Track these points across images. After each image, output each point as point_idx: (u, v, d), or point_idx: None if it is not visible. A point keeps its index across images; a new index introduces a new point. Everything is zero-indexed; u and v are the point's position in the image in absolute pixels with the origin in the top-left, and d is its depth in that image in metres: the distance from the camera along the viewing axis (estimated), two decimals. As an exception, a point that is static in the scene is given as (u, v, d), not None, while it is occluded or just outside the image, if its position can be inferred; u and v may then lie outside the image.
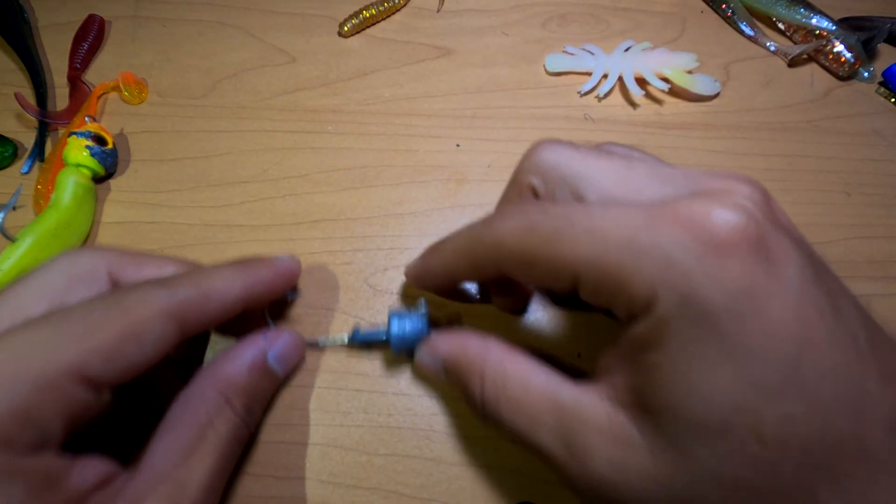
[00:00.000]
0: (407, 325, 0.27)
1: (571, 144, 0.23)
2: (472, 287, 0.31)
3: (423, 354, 0.26)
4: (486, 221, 0.22)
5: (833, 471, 0.16)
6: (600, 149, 0.23)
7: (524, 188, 0.24)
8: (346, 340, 0.30)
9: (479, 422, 0.23)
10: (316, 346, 0.30)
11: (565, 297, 0.29)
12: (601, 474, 0.18)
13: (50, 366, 0.18)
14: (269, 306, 0.28)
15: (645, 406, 0.18)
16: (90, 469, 0.20)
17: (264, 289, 0.25)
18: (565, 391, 0.21)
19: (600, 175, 0.21)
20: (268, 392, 0.28)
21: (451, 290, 0.30)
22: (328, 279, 0.33)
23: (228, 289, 0.23)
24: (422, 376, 0.30)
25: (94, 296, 0.22)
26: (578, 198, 0.21)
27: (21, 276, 0.22)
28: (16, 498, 0.17)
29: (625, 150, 0.24)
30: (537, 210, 0.20)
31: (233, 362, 0.25)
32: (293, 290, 0.30)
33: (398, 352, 0.28)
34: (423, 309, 0.28)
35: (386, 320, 0.28)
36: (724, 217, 0.17)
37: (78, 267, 0.23)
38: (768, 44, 0.40)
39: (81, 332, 0.19)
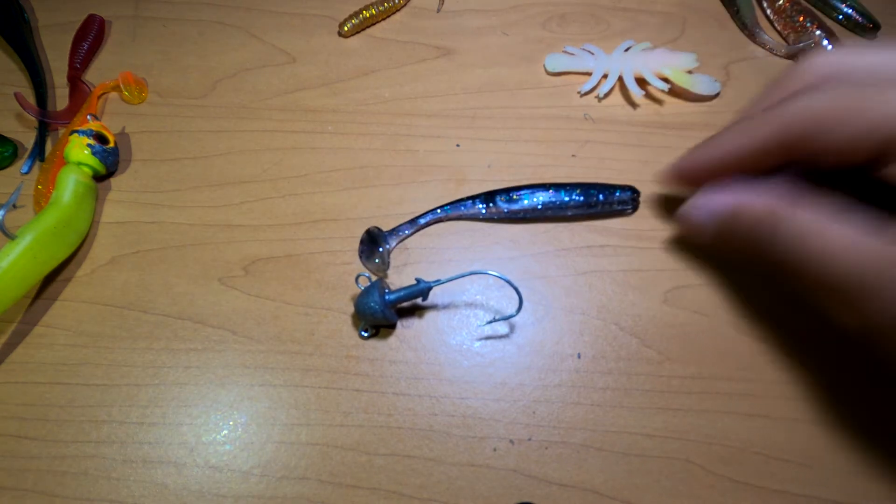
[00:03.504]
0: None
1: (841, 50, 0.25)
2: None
3: (689, 209, 0.28)
4: (782, 104, 0.24)
5: None
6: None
7: (788, 92, 0.25)
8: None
9: (763, 269, 0.29)
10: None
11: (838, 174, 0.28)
12: None
13: None
14: None
15: None
16: None
17: None
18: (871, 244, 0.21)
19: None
20: None
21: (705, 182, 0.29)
22: (328, 279, 0.33)
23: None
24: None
25: None
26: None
27: None
28: None
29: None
30: (844, 84, 0.23)
31: None
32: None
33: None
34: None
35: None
36: None
37: None
38: (768, 42, 0.40)
39: None
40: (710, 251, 0.32)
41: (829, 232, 0.23)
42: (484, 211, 0.34)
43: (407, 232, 0.33)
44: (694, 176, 0.29)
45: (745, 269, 0.32)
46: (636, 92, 0.37)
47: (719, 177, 0.28)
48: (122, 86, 0.38)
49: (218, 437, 0.30)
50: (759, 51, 0.40)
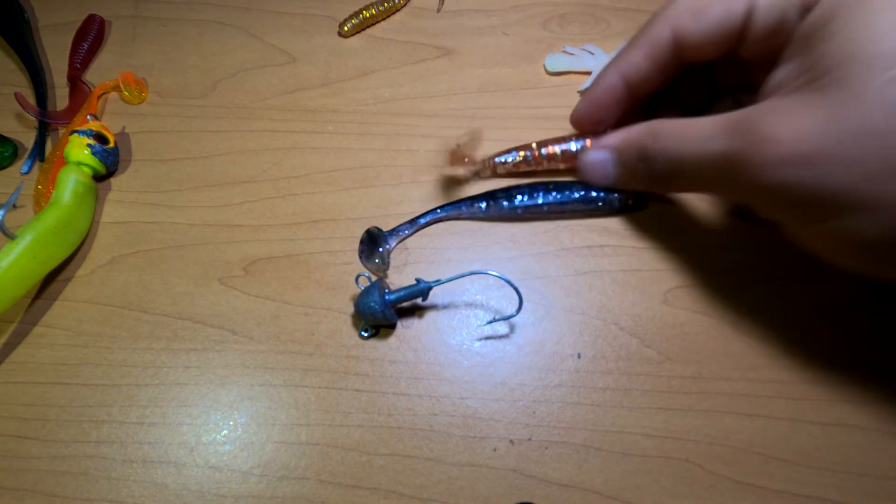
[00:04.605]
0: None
1: None
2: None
3: (590, 155, 0.32)
4: (656, 15, 0.28)
5: None
6: None
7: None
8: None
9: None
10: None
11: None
12: (783, 144, 0.21)
13: None
14: None
15: (823, 69, 0.21)
16: None
17: None
18: (732, 114, 0.24)
19: None
20: None
21: (620, 116, 0.32)
22: (328, 279, 0.33)
23: None
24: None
25: None
26: None
27: None
28: None
29: None
30: None
31: None
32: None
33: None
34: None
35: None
36: None
37: None
38: None
39: None
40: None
41: (689, 126, 0.26)
42: (484, 210, 0.34)
43: (407, 232, 0.33)
44: (595, 114, 0.32)
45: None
46: (636, 92, 0.37)
47: (617, 108, 0.31)
48: (122, 86, 0.38)
49: (218, 437, 0.30)
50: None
